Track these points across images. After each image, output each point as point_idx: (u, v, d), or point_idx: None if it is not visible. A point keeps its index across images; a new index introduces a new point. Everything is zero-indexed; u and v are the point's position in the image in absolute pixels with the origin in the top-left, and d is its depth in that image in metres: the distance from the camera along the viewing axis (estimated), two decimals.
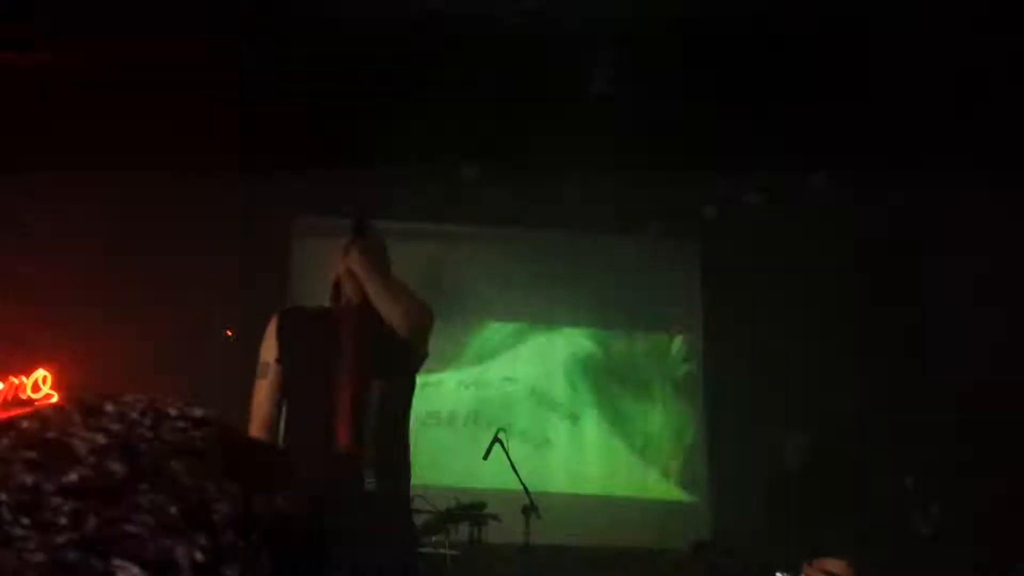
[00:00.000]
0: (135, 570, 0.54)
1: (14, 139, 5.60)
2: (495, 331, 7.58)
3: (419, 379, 3.28)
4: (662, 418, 7.55)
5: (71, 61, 5.35)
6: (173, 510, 0.56)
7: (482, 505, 5.83)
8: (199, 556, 0.55)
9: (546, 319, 7.64)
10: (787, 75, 5.54)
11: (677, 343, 7.71)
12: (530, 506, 5.79)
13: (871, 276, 6.85)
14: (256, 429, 3.05)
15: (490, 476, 6.19)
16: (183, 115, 5.70)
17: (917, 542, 5.35)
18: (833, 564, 3.70)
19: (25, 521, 0.55)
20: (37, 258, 6.40)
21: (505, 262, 7.57)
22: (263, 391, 3.10)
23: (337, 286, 3.25)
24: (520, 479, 5.81)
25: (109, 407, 0.65)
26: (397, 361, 3.14)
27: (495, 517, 5.82)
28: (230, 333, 7.12)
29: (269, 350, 3.13)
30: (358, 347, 3.03)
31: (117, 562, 0.54)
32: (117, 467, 0.58)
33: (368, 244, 3.18)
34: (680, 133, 6.09)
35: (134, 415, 0.64)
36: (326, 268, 3.40)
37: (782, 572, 4.51)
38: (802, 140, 6.11)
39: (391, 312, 3.06)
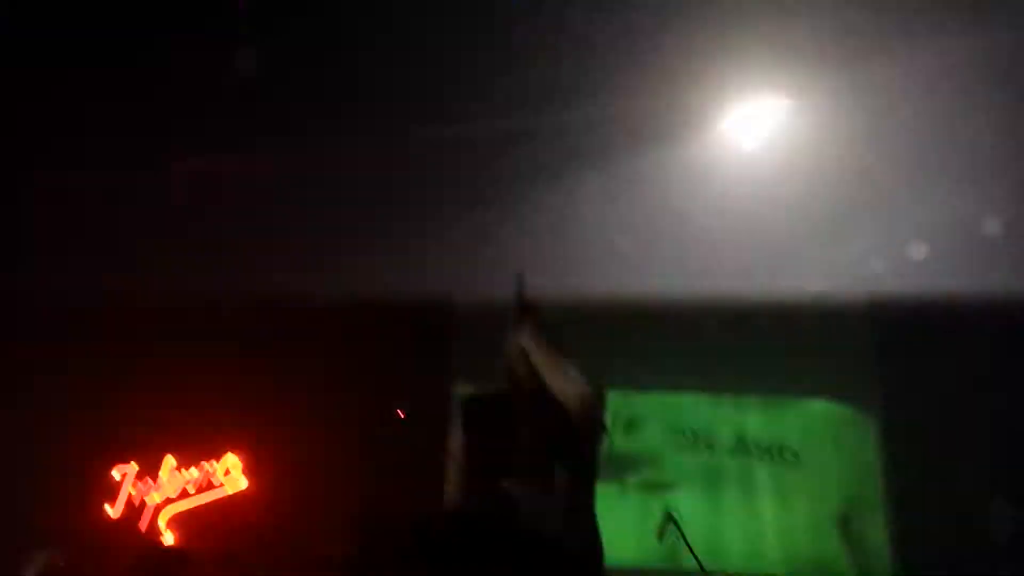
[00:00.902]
0: None
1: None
2: (660, 402, 7.48)
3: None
4: (841, 491, 7.18)
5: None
6: None
7: None
8: None
9: (712, 388, 7.48)
10: None
11: (851, 413, 7.36)
12: None
13: None
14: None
15: (665, 554, 6.04)
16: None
17: None
18: None
19: None
20: (225, 353, 6.82)
21: (669, 331, 7.42)
22: (453, 480, 3.15)
23: (511, 367, 3.25)
24: (697, 560, 5.64)
25: None
26: (578, 440, 3.10)
27: None
28: (401, 414, 7.32)
29: (456, 440, 3.18)
30: (537, 430, 3.02)
31: None
32: None
33: (535, 322, 3.16)
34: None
35: None
36: (491, 347, 3.40)
37: None
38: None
39: (562, 394, 3.02)
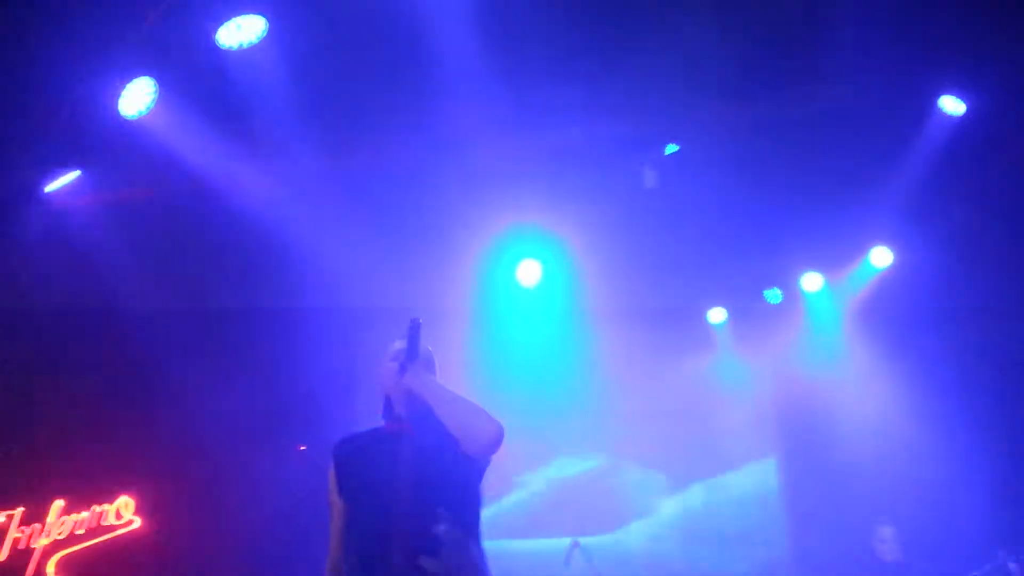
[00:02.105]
0: None
1: None
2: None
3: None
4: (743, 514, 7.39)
5: None
6: None
7: None
8: None
9: None
10: None
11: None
12: None
13: None
14: (332, 565, 3.07)
15: None
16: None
17: None
18: None
19: None
20: (117, 395, 6.63)
21: None
22: (335, 527, 3.09)
23: (389, 405, 3.18)
24: None
25: None
26: (463, 476, 3.06)
27: None
28: (303, 448, 7.22)
29: (332, 486, 3.11)
30: (420, 468, 2.98)
31: None
32: None
33: (424, 363, 3.12)
34: None
35: None
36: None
37: None
38: None
39: (466, 428, 2.97)
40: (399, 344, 3.10)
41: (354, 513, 3.04)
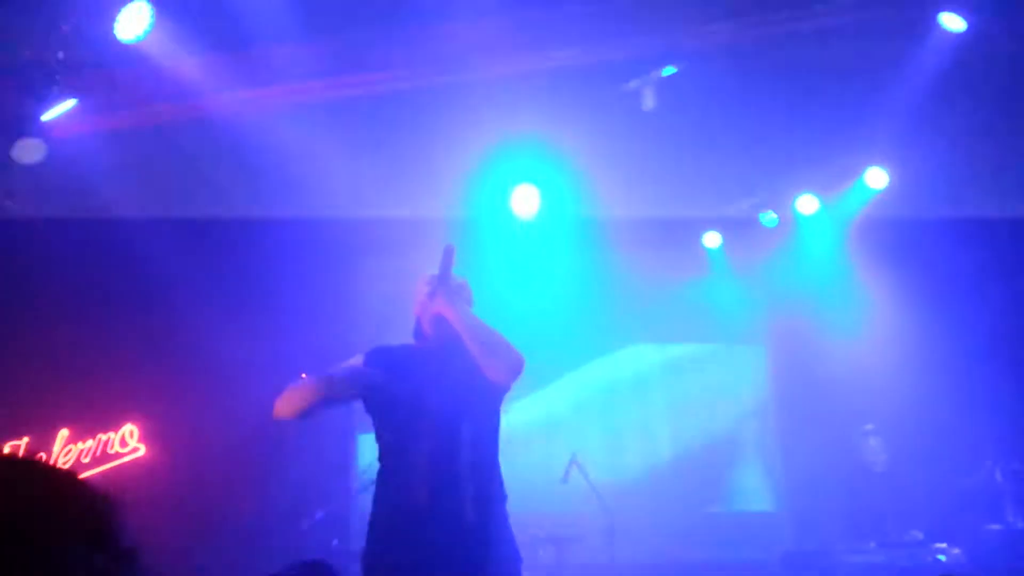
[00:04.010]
0: None
1: None
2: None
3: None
4: (736, 429, 7.51)
5: None
6: None
7: (565, 528, 5.87)
8: None
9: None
10: None
11: (744, 353, 7.70)
12: (611, 527, 5.80)
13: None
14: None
15: (570, 499, 6.22)
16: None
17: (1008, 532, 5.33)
18: None
19: None
20: (118, 322, 6.66)
21: None
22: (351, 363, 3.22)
23: (420, 326, 3.29)
24: (601, 501, 5.84)
25: None
26: (486, 399, 3.19)
27: (578, 539, 5.84)
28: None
29: (357, 362, 3.23)
30: (450, 388, 3.10)
31: None
32: None
33: (457, 289, 3.21)
34: None
35: None
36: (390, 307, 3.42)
37: None
38: None
39: (490, 358, 3.06)
40: (433, 270, 3.17)
41: (382, 424, 3.16)
